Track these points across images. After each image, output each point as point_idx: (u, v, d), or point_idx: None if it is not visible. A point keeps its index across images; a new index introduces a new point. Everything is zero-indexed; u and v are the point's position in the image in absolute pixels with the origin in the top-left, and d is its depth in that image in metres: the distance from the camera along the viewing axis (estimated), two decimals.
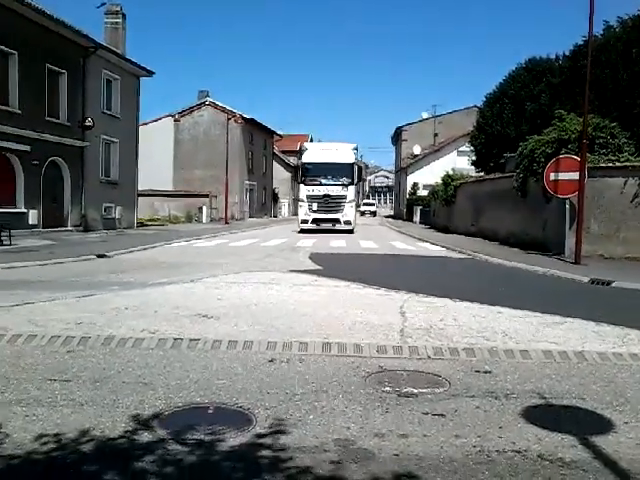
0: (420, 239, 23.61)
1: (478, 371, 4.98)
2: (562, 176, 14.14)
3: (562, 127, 15.91)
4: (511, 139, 23.70)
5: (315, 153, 28.71)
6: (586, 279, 10.94)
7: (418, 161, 52.60)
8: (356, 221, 29.60)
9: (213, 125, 46.93)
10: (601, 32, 19.85)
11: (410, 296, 8.68)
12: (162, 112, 49.67)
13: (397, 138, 61.48)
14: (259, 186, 54.27)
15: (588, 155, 13.97)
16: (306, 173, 27.98)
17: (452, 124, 50.39)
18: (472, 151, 30.91)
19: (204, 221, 40.47)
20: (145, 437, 3.50)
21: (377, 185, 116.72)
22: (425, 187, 45.58)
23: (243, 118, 46.98)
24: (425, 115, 58.08)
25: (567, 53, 23.18)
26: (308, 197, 27.65)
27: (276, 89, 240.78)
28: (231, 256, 15.11)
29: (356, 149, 29.09)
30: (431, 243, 21.16)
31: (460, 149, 44.93)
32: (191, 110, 48.43)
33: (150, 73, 30.71)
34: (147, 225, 33.08)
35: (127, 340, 5.72)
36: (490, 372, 4.95)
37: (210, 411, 3.99)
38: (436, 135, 54.31)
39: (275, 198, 61.57)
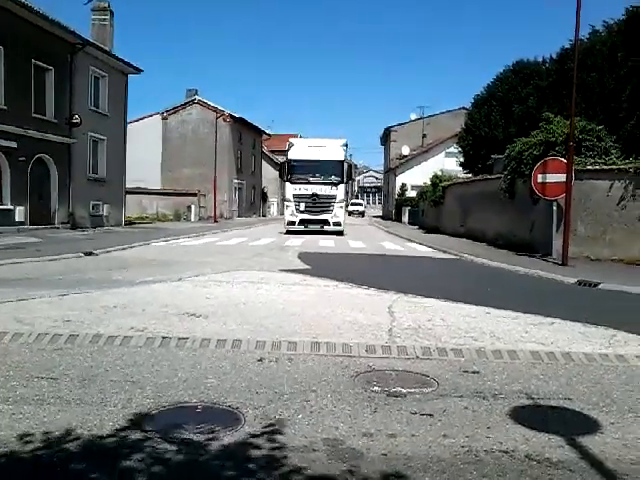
0: (409, 239, 23.68)
1: (466, 371, 5.00)
2: (549, 178, 14.24)
3: (549, 129, 16.03)
4: (499, 141, 23.85)
5: (302, 149, 26.77)
6: (573, 280, 11.02)
7: (407, 162, 52.80)
8: (345, 222, 28.06)
9: (202, 123, 46.82)
10: (587, 36, 20.06)
11: (399, 296, 8.69)
12: (150, 110, 49.55)
13: (386, 139, 61.68)
14: (248, 185, 54.22)
15: (575, 158, 14.08)
16: (293, 171, 26.27)
17: (440, 125, 50.66)
18: (460, 152, 31.03)
19: (193, 220, 40.37)
20: (133, 436, 3.48)
21: (366, 185, 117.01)
22: (414, 188, 45.76)
23: (232, 117, 46.91)
24: (414, 116, 58.30)
25: (554, 56, 23.39)
26: (295, 196, 26.08)
27: (265, 88, 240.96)
28: (220, 255, 15.07)
29: (346, 145, 27.35)
30: (419, 243, 21.23)
31: (448, 150, 45.06)
32: (179, 108, 48.30)
33: (138, 70, 30.58)
34: (135, 223, 32.93)
35: (115, 338, 5.69)
36: (478, 372, 4.97)
37: (198, 410, 3.97)
38: (425, 136, 54.55)
39: (264, 197, 61.54)
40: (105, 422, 3.67)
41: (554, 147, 15.40)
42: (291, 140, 28.23)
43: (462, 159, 30.62)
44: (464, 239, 22.57)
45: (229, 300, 8.01)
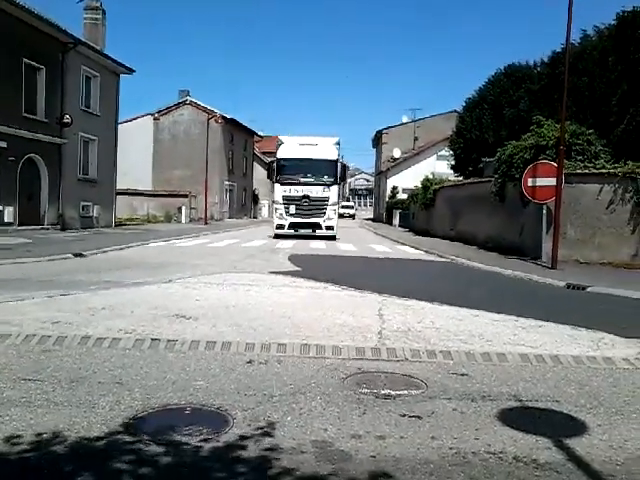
0: (399, 242, 23.74)
1: (455, 373, 5.02)
2: (540, 182, 14.34)
3: (540, 133, 16.15)
4: (490, 144, 23.95)
5: (292, 148, 24.46)
6: (562, 284, 11.09)
7: (398, 164, 52.90)
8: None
9: (193, 124, 46.69)
10: (578, 40, 20.22)
11: (388, 298, 8.71)
12: (142, 111, 49.36)
13: (377, 141, 61.78)
14: (239, 187, 54.12)
15: (565, 161, 14.18)
16: (282, 171, 24.16)
17: (432, 128, 50.76)
18: (451, 155, 31.12)
19: (183, 221, 40.22)
20: (121, 438, 3.46)
21: (357, 187, 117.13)
22: (405, 190, 45.90)
23: (224, 118, 46.77)
24: (405, 119, 58.41)
25: (546, 60, 23.51)
26: (285, 198, 24.00)
27: (256, 90, 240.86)
28: (210, 257, 15.03)
29: (338, 144, 25.10)
30: (410, 246, 21.30)
31: (440, 153, 45.25)
32: (171, 109, 48.15)
33: (130, 71, 30.44)
34: (125, 224, 32.77)
35: (104, 340, 5.66)
36: (467, 375, 4.99)
37: (187, 412, 3.96)
38: (416, 139, 54.67)
39: (255, 199, 61.45)
40: (93, 424, 3.65)
41: (545, 151, 15.51)
42: (280, 137, 25.73)
43: (453, 162, 30.71)
44: (454, 242, 22.64)
45: (219, 302, 7.99)
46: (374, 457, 3.32)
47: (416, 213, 34.22)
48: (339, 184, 25.60)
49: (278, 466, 3.14)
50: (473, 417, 4.01)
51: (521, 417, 4.04)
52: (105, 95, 28.59)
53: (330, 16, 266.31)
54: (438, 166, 42.68)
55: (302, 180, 24.09)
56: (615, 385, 4.85)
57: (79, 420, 3.71)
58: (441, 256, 17.03)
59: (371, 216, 69.46)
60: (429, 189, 29.23)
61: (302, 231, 23.77)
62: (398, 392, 4.49)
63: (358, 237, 27.73)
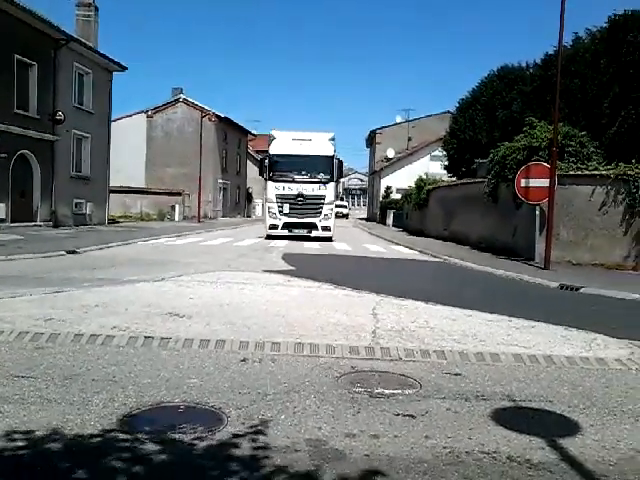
0: (393, 242, 23.76)
1: (449, 373, 5.03)
2: (533, 183, 14.38)
3: (533, 134, 16.20)
4: (483, 145, 23.99)
5: (286, 143, 22.88)
6: (555, 284, 11.14)
7: (392, 165, 52.97)
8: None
9: (187, 122, 46.55)
10: (571, 43, 20.29)
11: (382, 298, 8.72)
12: (135, 108, 49.17)
13: (371, 141, 61.83)
14: (233, 185, 54.02)
15: (558, 163, 14.24)
16: (275, 167, 22.63)
17: (426, 129, 50.88)
18: (445, 156, 31.17)
19: (176, 219, 40.14)
20: (115, 435, 3.45)
21: (351, 187, 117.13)
22: (399, 190, 45.94)
23: (217, 116, 46.68)
24: (399, 119, 58.52)
25: (538, 62, 23.58)
26: (278, 197, 22.50)
27: (250, 89, 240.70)
28: (204, 255, 15.01)
29: (333, 139, 23.45)
30: (404, 246, 21.33)
31: (433, 154, 45.31)
32: (164, 107, 47.94)
33: (123, 68, 30.30)
34: (118, 222, 32.66)
35: (97, 337, 5.64)
36: (461, 374, 5.00)
37: (181, 410, 3.95)
38: (410, 139, 54.77)
39: (249, 198, 61.36)
40: (86, 421, 3.64)
41: (537, 152, 15.57)
42: (273, 132, 23.87)
43: (447, 163, 30.76)
44: (448, 242, 22.68)
45: (213, 300, 7.98)
46: (368, 456, 3.33)
47: (410, 213, 34.27)
48: (335, 182, 24.16)
49: (272, 464, 3.14)
50: (467, 417, 4.02)
51: (514, 417, 4.05)
52: (98, 92, 28.45)
53: (330, 16, 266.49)
54: (432, 166, 42.75)
55: (296, 177, 22.72)
56: (608, 386, 4.87)
57: (73, 417, 3.69)
58: (435, 256, 17.07)
59: (365, 216, 69.51)
60: (423, 189, 29.28)
61: (297, 232, 22.54)
62: (392, 391, 4.49)
63: (352, 236, 27.75)
